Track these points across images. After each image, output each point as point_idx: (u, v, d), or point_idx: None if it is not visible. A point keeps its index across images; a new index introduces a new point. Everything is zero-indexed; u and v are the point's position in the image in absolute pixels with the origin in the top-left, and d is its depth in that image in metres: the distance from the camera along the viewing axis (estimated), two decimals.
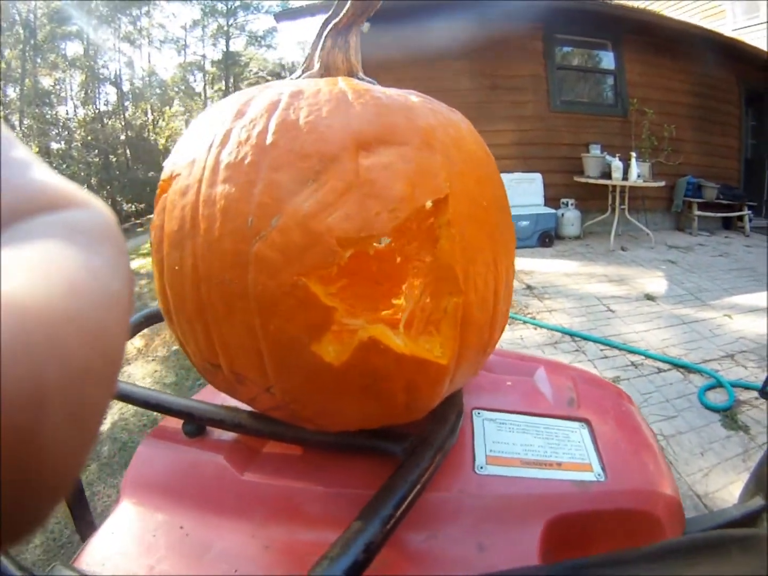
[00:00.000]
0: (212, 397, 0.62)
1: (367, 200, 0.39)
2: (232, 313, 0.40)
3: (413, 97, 0.47)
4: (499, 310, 0.49)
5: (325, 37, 0.51)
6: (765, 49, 7.05)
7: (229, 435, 0.57)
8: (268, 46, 19.77)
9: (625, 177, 5.83)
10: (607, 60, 6.83)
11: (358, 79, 0.52)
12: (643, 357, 3.12)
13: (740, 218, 6.97)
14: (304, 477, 0.51)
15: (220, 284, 0.40)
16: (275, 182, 0.39)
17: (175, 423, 0.59)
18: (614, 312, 3.90)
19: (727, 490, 1.96)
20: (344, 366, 0.39)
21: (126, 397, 0.58)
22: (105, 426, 2.64)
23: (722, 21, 8.33)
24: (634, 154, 5.84)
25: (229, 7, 18.54)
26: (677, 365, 3.03)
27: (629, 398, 0.73)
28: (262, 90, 0.46)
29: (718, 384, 2.77)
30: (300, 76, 0.53)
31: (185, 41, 19.16)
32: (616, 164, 5.82)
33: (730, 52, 6.81)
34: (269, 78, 19.28)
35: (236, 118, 0.44)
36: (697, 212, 6.61)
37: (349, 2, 0.49)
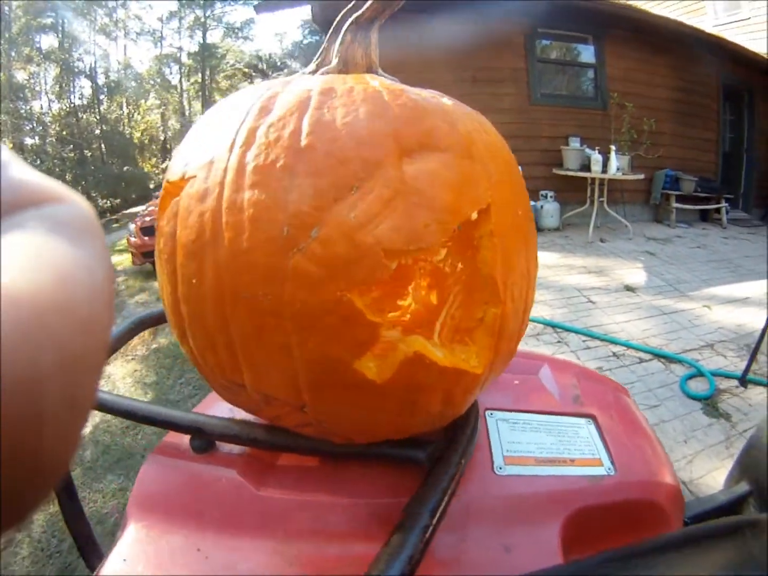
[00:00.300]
0: (214, 408, 0.60)
1: (415, 210, 0.36)
2: (262, 330, 0.37)
3: (445, 99, 0.45)
4: (527, 316, 0.49)
5: (345, 31, 0.48)
6: (744, 45, 7.20)
7: (239, 449, 0.55)
8: (245, 38, 19.58)
9: (605, 170, 5.90)
10: (588, 54, 6.89)
11: (378, 76, 0.50)
12: (624, 347, 3.18)
13: (717, 210, 7.14)
14: (324, 489, 0.50)
15: (249, 300, 0.36)
16: (313, 189, 0.36)
17: (180, 438, 0.56)
18: (595, 303, 3.96)
19: (711, 476, 2.01)
20: (387, 383, 0.38)
21: (128, 414, 0.55)
22: (86, 429, 2.57)
23: (702, 18, 8.47)
24: (613, 147, 5.93)
25: None
26: (658, 355, 3.09)
27: (626, 391, 0.75)
28: (285, 85, 0.44)
29: (699, 373, 2.84)
30: (314, 71, 0.51)
31: (161, 33, 18.87)
32: (596, 157, 5.89)
33: (710, 48, 6.94)
34: (246, 70, 19.14)
35: (261, 115, 0.40)
36: (675, 204, 6.74)
37: None
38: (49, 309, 0.14)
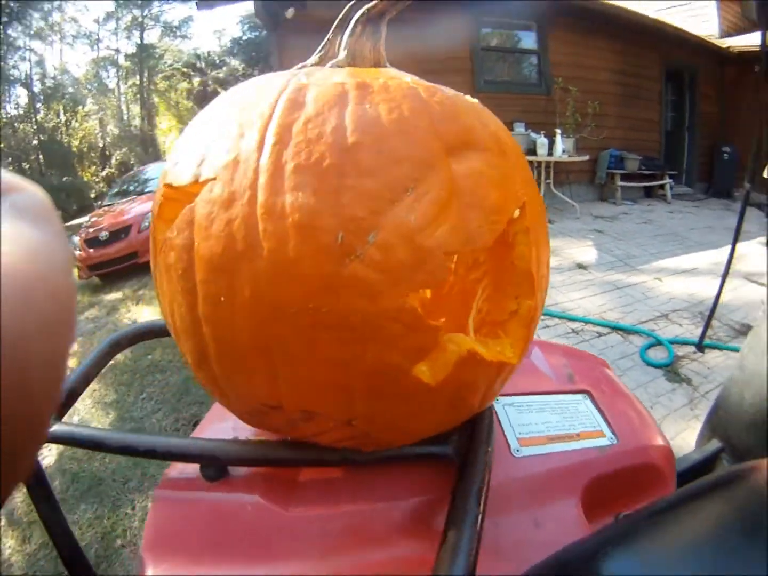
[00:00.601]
0: (213, 431, 0.58)
1: (468, 211, 0.35)
2: (313, 345, 0.34)
3: (468, 96, 0.44)
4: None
5: (356, 23, 0.45)
6: (686, 28, 7.59)
7: (254, 471, 0.52)
8: (184, 37, 18.97)
9: (550, 152, 6.06)
10: (532, 40, 7.03)
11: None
12: (582, 323, 3.27)
13: (662, 186, 7.48)
14: (353, 497, 0.48)
15: (298, 314, 0.33)
16: (367, 191, 0.33)
17: (185, 468, 0.52)
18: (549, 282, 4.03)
19: (680, 437, 2.10)
20: (440, 384, 0.36)
21: (127, 449, 0.49)
22: (51, 458, 2.47)
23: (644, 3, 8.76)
24: (558, 131, 6.08)
25: None
26: (616, 328, 3.20)
27: (606, 364, 0.79)
28: (309, 76, 0.40)
29: (657, 342, 2.96)
30: (317, 63, 0.48)
31: (98, 35, 18.08)
32: (542, 141, 6.03)
33: (653, 32, 7.29)
34: (184, 70, 18.60)
35: (292, 110, 0.36)
36: (620, 183, 7.01)
37: None
38: (26, 281, 0.15)
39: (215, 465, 0.50)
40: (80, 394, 0.58)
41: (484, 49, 6.71)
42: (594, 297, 3.71)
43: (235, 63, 18.07)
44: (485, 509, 0.40)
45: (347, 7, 0.47)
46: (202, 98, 17.03)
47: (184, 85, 17.90)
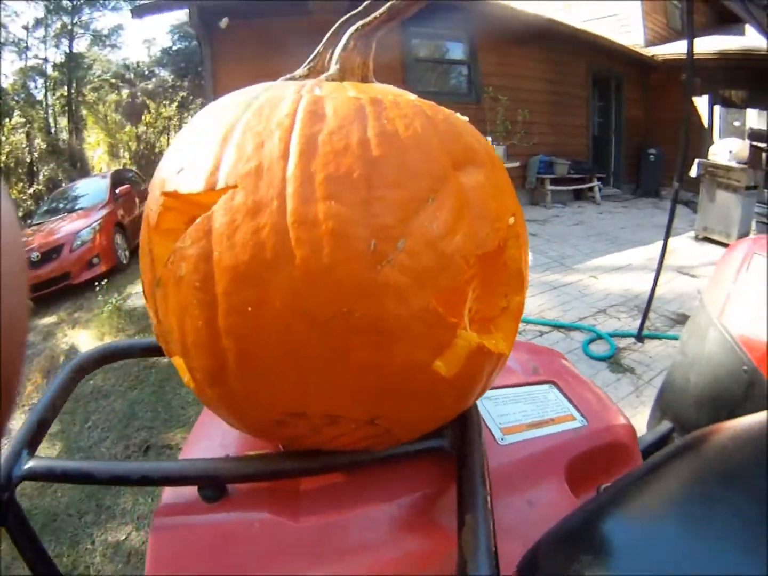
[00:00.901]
0: (200, 450, 0.57)
1: (476, 221, 0.39)
2: (346, 350, 0.35)
3: (458, 114, 0.47)
4: None
5: (349, 37, 0.46)
6: (612, 38, 8.14)
7: (254, 486, 0.50)
8: (113, 46, 18.17)
9: None
10: (460, 51, 7.24)
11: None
12: (524, 323, 3.36)
13: (591, 189, 7.88)
14: (359, 499, 0.49)
15: (332, 320, 0.34)
16: (394, 200, 0.35)
17: (181, 492, 0.50)
18: None
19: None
20: (454, 377, 0.39)
21: (120, 479, 0.47)
22: None
23: (572, 13, 9.16)
24: (489, 139, 6.19)
25: (75, 3, 16.62)
26: (557, 326, 3.34)
27: (563, 356, 0.86)
28: (321, 86, 0.42)
29: (598, 337, 3.12)
30: (306, 76, 0.49)
31: (27, 43, 17.02)
32: None
33: (581, 42, 7.71)
34: (113, 81, 17.96)
35: (314, 121, 0.37)
36: (550, 187, 7.34)
37: (388, 3, 0.45)
38: None
39: (214, 485, 0.48)
40: (50, 424, 0.55)
41: (416, 60, 6.84)
42: (532, 298, 3.83)
43: (164, 74, 17.53)
44: (491, 492, 0.42)
45: (339, 22, 0.48)
46: (131, 111, 16.42)
47: (113, 96, 17.25)
